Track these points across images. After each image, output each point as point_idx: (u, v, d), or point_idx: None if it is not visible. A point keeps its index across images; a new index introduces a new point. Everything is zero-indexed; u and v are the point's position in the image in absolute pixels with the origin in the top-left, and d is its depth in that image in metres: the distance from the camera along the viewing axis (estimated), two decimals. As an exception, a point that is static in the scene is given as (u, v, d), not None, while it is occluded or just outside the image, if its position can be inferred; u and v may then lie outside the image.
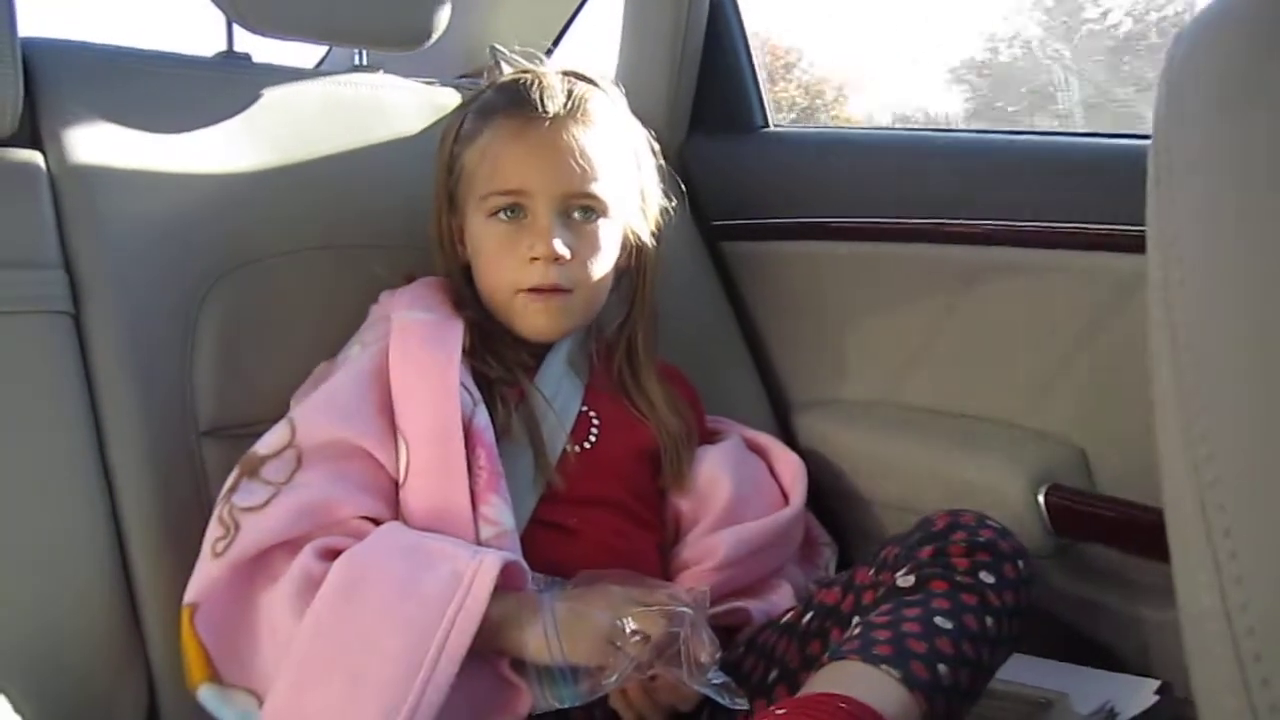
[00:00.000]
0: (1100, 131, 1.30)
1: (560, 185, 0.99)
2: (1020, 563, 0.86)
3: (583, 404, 1.04)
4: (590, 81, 1.05)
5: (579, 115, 1.00)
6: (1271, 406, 0.38)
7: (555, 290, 1.00)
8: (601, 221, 1.02)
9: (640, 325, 1.10)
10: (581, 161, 0.99)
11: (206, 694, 0.86)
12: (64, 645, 0.91)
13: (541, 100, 0.99)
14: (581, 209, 1.00)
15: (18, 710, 0.86)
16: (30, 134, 1.04)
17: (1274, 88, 0.40)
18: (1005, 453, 1.20)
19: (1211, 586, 0.37)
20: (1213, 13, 0.45)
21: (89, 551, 0.93)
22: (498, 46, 1.10)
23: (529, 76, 1.02)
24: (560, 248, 0.98)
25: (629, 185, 1.06)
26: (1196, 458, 0.39)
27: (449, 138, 1.06)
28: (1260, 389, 0.38)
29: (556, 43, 1.75)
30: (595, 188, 1.00)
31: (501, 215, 1.00)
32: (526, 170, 0.99)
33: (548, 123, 0.99)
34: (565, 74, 1.05)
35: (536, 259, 0.98)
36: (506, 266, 1.00)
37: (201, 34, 1.25)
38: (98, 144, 1.04)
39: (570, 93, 1.01)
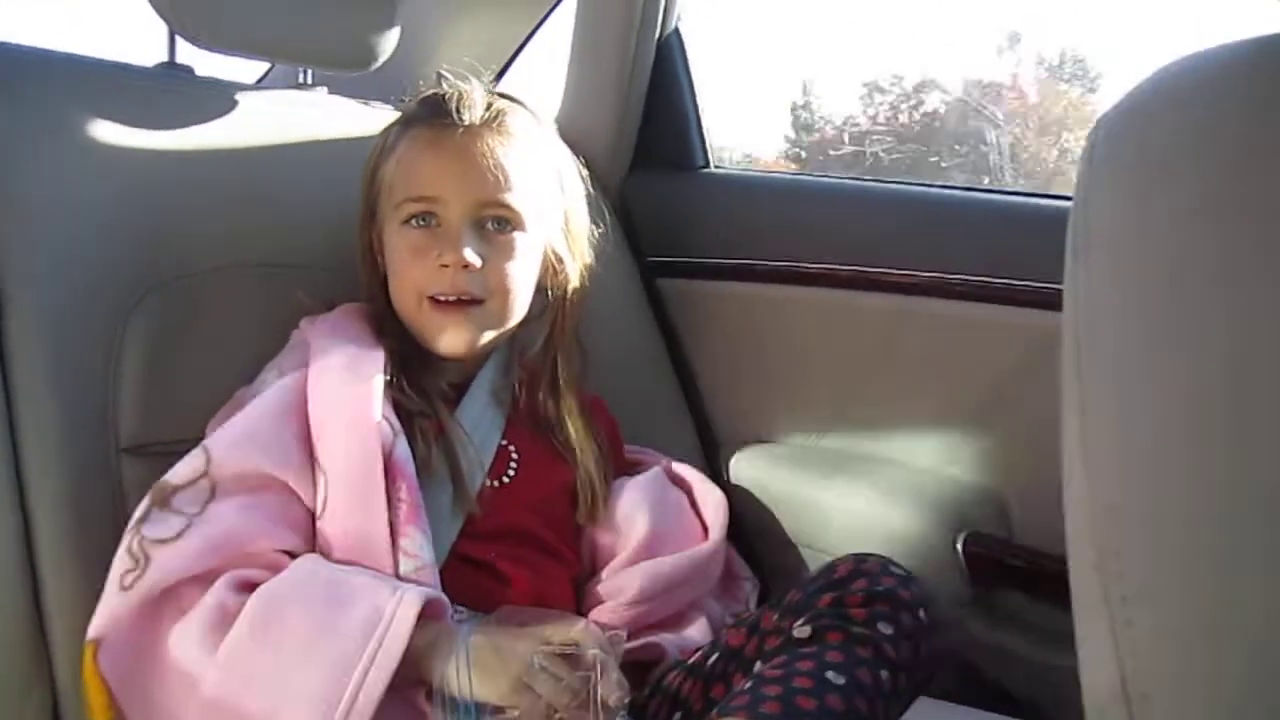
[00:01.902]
0: (1029, 191, 1.34)
1: (472, 193, 0.98)
2: (922, 612, 0.87)
3: (503, 438, 1.04)
4: (517, 102, 1.06)
5: (496, 126, 1.01)
6: (1177, 472, 0.39)
7: (465, 301, 0.99)
8: (517, 234, 1.01)
9: (561, 351, 1.09)
10: (495, 171, 0.99)
11: None
12: None
13: (458, 110, 1.00)
14: (495, 220, 1.00)
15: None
16: (-44, 142, 1.02)
17: (1184, 177, 0.42)
18: (926, 500, 1.21)
19: (1109, 655, 0.39)
20: (1131, 101, 0.47)
21: None
22: (444, 70, 1.10)
23: (451, 89, 1.03)
24: (470, 255, 0.97)
25: (549, 203, 1.06)
26: (1099, 524, 0.40)
27: (374, 152, 1.06)
28: (1167, 458, 0.40)
29: (502, 73, 1.76)
30: (508, 198, 0.99)
31: (414, 223, 1.00)
32: (440, 178, 0.99)
33: (462, 131, 0.99)
34: (490, 92, 1.05)
35: (446, 266, 0.97)
36: (416, 273, 0.99)
37: (144, 45, 1.24)
38: (25, 153, 1.02)
39: (490, 105, 1.02)
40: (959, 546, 1.16)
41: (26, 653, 0.91)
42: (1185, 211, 0.42)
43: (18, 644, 0.91)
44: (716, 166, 1.55)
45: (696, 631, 1.06)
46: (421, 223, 0.99)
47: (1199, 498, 0.38)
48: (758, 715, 0.76)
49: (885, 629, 0.84)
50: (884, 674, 0.82)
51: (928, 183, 1.38)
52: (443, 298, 0.99)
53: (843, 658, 0.81)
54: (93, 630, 0.85)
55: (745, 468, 1.37)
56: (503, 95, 1.06)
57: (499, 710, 0.80)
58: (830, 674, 0.80)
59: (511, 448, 1.04)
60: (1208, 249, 0.41)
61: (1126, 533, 0.40)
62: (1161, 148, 0.45)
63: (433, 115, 1.01)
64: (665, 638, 1.01)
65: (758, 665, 0.86)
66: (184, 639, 0.83)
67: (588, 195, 1.13)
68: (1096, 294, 0.43)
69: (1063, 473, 0.43)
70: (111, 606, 0.85)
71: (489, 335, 1.02)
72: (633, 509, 1.08)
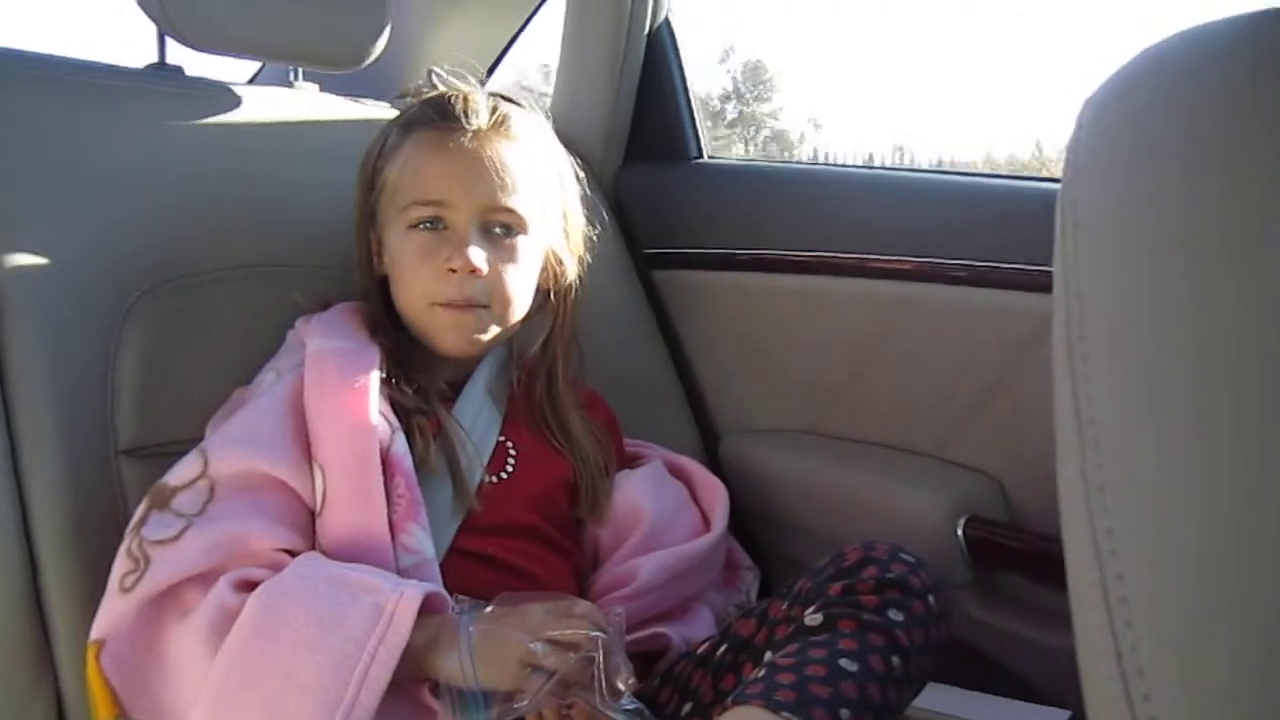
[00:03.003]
0: (1022, 174, 1.34)
1: (480, 198, 0.98)
2: (932, 598, 0.87)
3: (500, 434, 1.04)
4: (515, 103, 1.06)
5: (502, 130, 1.00)
6: (1170, 453, 0.39)
7: (470, 305, 0.99)
8: (521, 238, 1.01)
9: (560, 351, 1.09)
10: (503, 175, 0.99)
11: None
12: None
13: (465, 114, 0.99)
14: (501, 225, 1.00)
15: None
16: (-52, 143, 1.02)
17: (1170, 154, 0.42)
18: (926, 484, 1.22)
19: (1104, 631, 0.39)
20: (1118, 80, 0.47)
21: None
22: (435, 69, 1.10)
23: (454, 93, 1.03)
24: (478, 260, 0.97)
25: (551, 205, 1.06)
26: (1094, 505, 0.40)
27: (372, 154, 1.05)
28: (1158, 438, 0.40)
29: (493, 69, 1.76)
30: (515, 202, 0.99)
31: (421, 227, 0.99)
32: (447, 181, 0.98)
33: (470, 135, 0.99)
34: (491, 94, 1.05)
35: (454, 271, 0.97)
36: (423, 278, 0.99)
37: (133, 46, 1.24)
38: (19, 156, 1.02)
39: (494, 109, 1.01)
40: (959, 530, 1.17)
41: (31, 655, 0.91)
42: (1173, 188, 0.42)
43: (22, 647, 0.91)
44: (710, 157, 1.55)
45: (700, 622, 1.06)
46: (428, 226, 0.99)
47: (1194, 476, 0.38)
48: (773, 703, 0.76)
49: (896, 616, 0.84)
50: (896, 660, 0.82)
51: (921, 169, 1.39)
52: (449, 302, 0.99)
53: (856, 645, 0.81)
54: (95, 632, 0.85)
55: (744, 457, 1.38)
56: (503, 97, 1.06)
57: (507, 698, 0.80)
58: (844, 661, 0.80)
59: (509, 444, 1.04)
60: (1196, 225, 0.41)
61: (1119, 512, 0.40)
62: (1147, 126, 0.45)
63: (437, 118, 1.00)
64: (670, 628, 1.01)
65: (768, 654, 0.86)
66: (186, 639, 0.83)
67: (584, 194, 1.13)
68: (1086, 274, 0.44)
69: (1057, 455, 0.43)
70: (113, 608, 0.85)
71: (491, 335, 1.02)
72: (633, 502, 1.08)
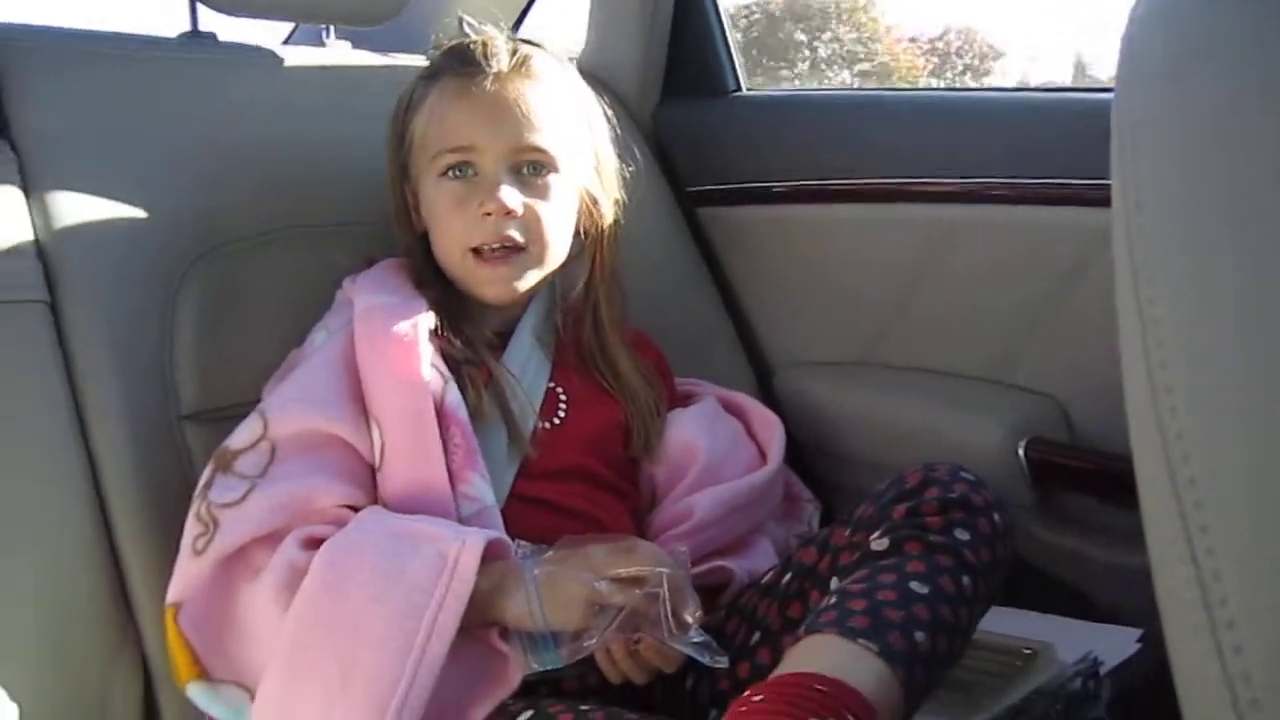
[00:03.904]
0: (1071, 86, 1.30)
1: (507, 139, 0.98)
2: (996, 516, 0.86)
3: (550, 380, 1.04)
4: (538, 46, 1.05)
5: (523, 70, 1.00)
6: (1234, 352, 0.38)
7: (509, 248, 0.99)
8: (553, 176, 1.01)
9: (603, 292, 1.09)
10: (528, 115, 0.98)
11: (195, 691, 0.87)
12: (56, 633, 0.92)
13: (485, 58, 0.99)
14: (531, 164, 0.99)
15: (14, 699, 0.87)
16: (-1, 124, 1.03)
17: (1227, 46, 0.41)
18: (985, 408, 1.21)
19: (1178, 535, 0.38)
20: None
21: (75, 539, 0.93)
22: (465, 16, 1.09)
23: (473, 38, 1.02)
24: (511, 200, 0.97)
25: (580, 144, 1.05)
26: (1161, 408, 0.39)
27: (400, 108, 1.05)
28: (1224, 337, 0.39)
29: (524, 15, 1.74)
30: (543, 140, 0.99)
31: (451, 174, 0.99)
32: (473, 127, 0.98)
33: (491, 79, 0.98)
34: (512, 38, 1.04)
35: (489, 215, 0.97)
36: (459, 225, 0.99)
37: (164, 14, 1.24)
38: (66, 130, 1.04)
39: (515, 51, 1.01)
40: (1021, 452, 1.16)
41: (113, 620, 0.94)
42: (1230, 84, 0.41)
43: (105, 612, 0.94)
44: (748, 90, 1.53)
45: (761, 554, 1.06)
46: (458, 174, 0.99)
47: (1260, 380, 0.37)
48: (846, 630, 0.76)
49: (963, 535, 0.83)
50: (965, 580, 0.81)
51: (963, 87, 1.35)
52: (487, 249, 0.99)
53: (924, 567, 0.81)
54: (171, 594, 0.88)
55: (800, 390, 1.37)
56: (525, 41, 1.05)
57: (576, 637, 0.81)
58: (914, 584, 0.79)
59: (560, 389, 1.04)
60: (1256, 121, 0.39)
61: (1190, 420, 0.39)
62: (1198, 28, 0.43)
63: (460, 65, 1.00)
64: (731, 562, 1.02)
65: (834, 582, 0.86)
66: (257, 598, 0.85)
67: (620, 130, 1.12)
68: (1145, 179, 0.42)
69: (1122, 367, 0.42)
70: (186, 571, 0.88)
71: (532, 280, 1.02)
72: (688, 440, 1.08)
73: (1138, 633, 1.03)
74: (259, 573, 0.86)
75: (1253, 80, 0.40)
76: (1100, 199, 1.07)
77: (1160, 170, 0.42)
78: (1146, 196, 0.43)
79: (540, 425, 1.00)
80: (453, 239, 1.00)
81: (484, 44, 1.00)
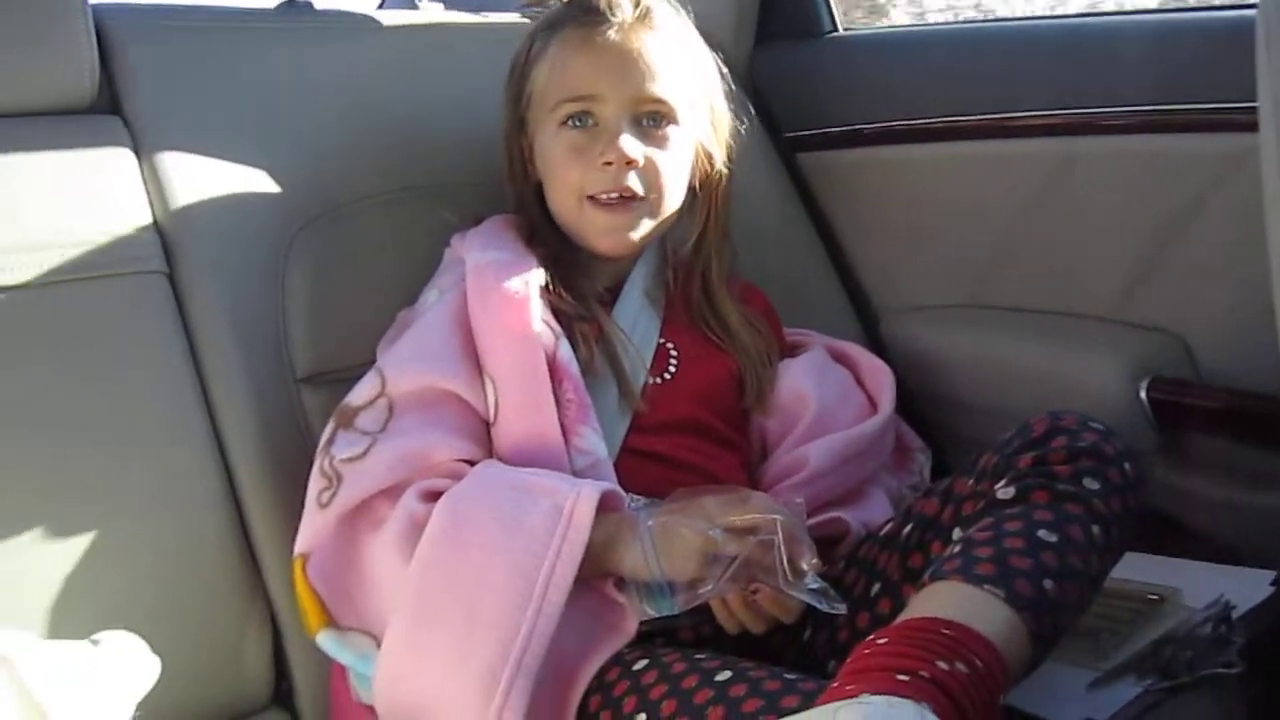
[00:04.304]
0: (1190, 6, 1.24)
1: (630, 89, 0.98)
2: (1127, 465, 0.83)
3: (661, 336, 1.04)
4: None
5: (647, 21, 1.00)
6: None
7: (626, 198, 0.99)
8: (672, 128, 1.01)
9: (714, 247, 1.08)
10: (651, 66, 0.98)
11: (325, 639, 0.90)
12: (190, 590, 0.95)
13: (609, 7, 0.99)
14: (651, 115, 1.00)
15: (155, 653, 0.91)
16: (109, 101, 1.06)
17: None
18: (1103, 347, 1.17)
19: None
20: None
21: (203, 501, 0.97)
22: None
23: None
24: (632, 150, 0.97)
25: (697, 96, 1.04)
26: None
27: (519, 62, 1.05)
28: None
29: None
30: (664, 92, 0.99)
31: (572, 124, 0.99)
32: (596, 76, 0.98)
33: (615, 29, 0.98)
34: None
35: (609, 163, 0.97)
36: (577, 173, 0.99)
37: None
38: (174, 105, 1.07)
39: (637, 2, 1.00)
40: (1143, 393, 1.12)
41: (242, 573, 0.98)
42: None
43: (233, 566, 0.98)
44: (845, 29, 1.49)
45: (876, 505, 1.05)
46: (579, 123, 0.99)
47: None
48: (972, 576, 0.74)
49: (1092, 484, 0.81)
50: (1095, 529, 0.79)
51: (1068, 14, 1.30)
52: (605, 196, 0.99)
53: (1052, 516, 0.79)
54: (299, 546, 0.91)
55: (907, 336, 1.35)
56: None
57: (691, 585, 0.82)
58: (1042, 532, 0.77)
59: (670, 345, 1.04)
60: None
61: None
62: None
63: (583, 15, 1.00)
64: (846, 513, 1.01)
65: (957, 532, 0.85)
66: (381, 549, 0.88)
67: (726, 88, 1.11)
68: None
69: (1273, 290, 0.40)
70: (313, 523, 0.90)
71: (646, 229, 1.02)
72: (798, 390, 1.08)
73: (1271, 574, 0.99)
74: (382, 524, 0.88)
75: None
76: (1225, 124, 1.03)
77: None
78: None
79: (651, 380, 1.01)
80: (570, 187, 1.00)
81: None
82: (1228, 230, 1.06)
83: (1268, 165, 0.40)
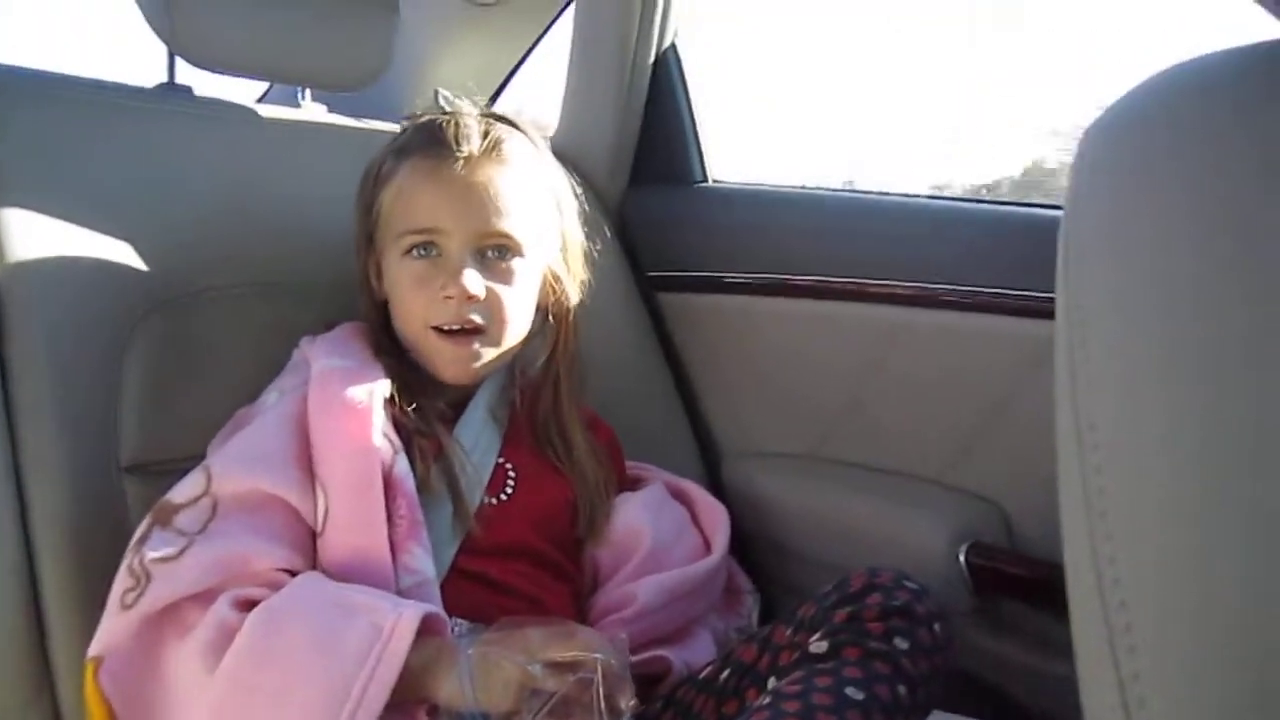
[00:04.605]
0: (1022, 200, 1.34)
1: (473, 224, 0.98)
2: (937, 626, 0.86)
3: (500, 455, 1.04)
4: (510, 124, 1.05)
5: (494, 155, 1.00)
6: (1165, 476, 0.39)
7: (469, 331, 0.99)
8: (516, 261, 1.01)
9: (563, 369, 1.09)
10: (495, 200, 0.99)
11: None
12: None
13: (456, 140, 0.99)
14: (496, 248, 1.00)
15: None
16: (-39, 162, 1.02)
17: (1172, 183, 0.43)
18: (929, 510, 1.21)
19: (1106, 658, 0.39)
20: (1120, 108, 0.47)
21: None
22: (442, 90, 1.10)
23: (446, 117, 1.02)
24: (474, 286, 0.97)
25: (547, 226, 1.06)
26: (1096, 532, 0.40)
27: (369, 179, 1.05)
28: (1155, 461, 0.40)
29: (499, 91, 1.77)
30: (509, 226, 0.99)
31: (415, 253, 0.99)
32: (440, 209, 0.98)
33: (461, 162, 0.99)
34: (485, 115, 1.05)
35: (450, 297, 0.97)
36: (420, 304, 0.99)
37: (143, 65, 1.25)
38: (31, 173, 1.03)
39: (487, 133, 1.01)
40: (962, 556, 1.16)
41: (30, 670, 0.91)
42: (1175, 215, 0.43)
43: (21, 661, 0.91)
44: (714, 181, 1.55)
45: (701, 646, 1.06)
46: (423, 253, 0.99)
47: (1196, 499, 0.38)
48: None
49: (902, 644, 0.83)
50: (902, 689, 0.81)
51: (919, 194, 1.39)
52: (447, 327, 0.99)
53: (861, 674, 0.81)
54: (94, 648, 0.85)
55: (746, 480, 1.37)
56: (498, 118, 1.06)
57: (506, 719, 0.80)
58: (850, 690, 0.79)
59: (509, 465, 1.04)
60: (1199, 252, 0.41)
61: (1122, 539, 0.40)
62: (1150, 154, 0.45)
63: (429, 145, 1.00)
64: (670, 651, 1.01)
65: (772, 681, 0.86)
66: (185, 657, 0.83)
67: (587, 211, 1.13)
68: (1089, 301, 0.44)
69: (1059, 481, 0.43)
70: (112, 625, 0.85)
71: (490, 358, 1.02)
72: (634, 524, 1.08)
73: (1073, 745, 1.03)
74: (189, 631, 0.84)
75: (1201, 214, 0.42)
76: (1047, 312, 1.10)
77: (1102, 294, 0.43)
78: (1088, 316, 0.44)
79: (487, 501, 1.00)
80: (414, 315, 1.00)
81: (456, 125, 1.01)
82: (1044, 409, 1.12)
83: (1060, 370, 0.44)
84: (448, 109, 1.05)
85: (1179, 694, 0.37)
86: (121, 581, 0.86)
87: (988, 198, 1.46)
